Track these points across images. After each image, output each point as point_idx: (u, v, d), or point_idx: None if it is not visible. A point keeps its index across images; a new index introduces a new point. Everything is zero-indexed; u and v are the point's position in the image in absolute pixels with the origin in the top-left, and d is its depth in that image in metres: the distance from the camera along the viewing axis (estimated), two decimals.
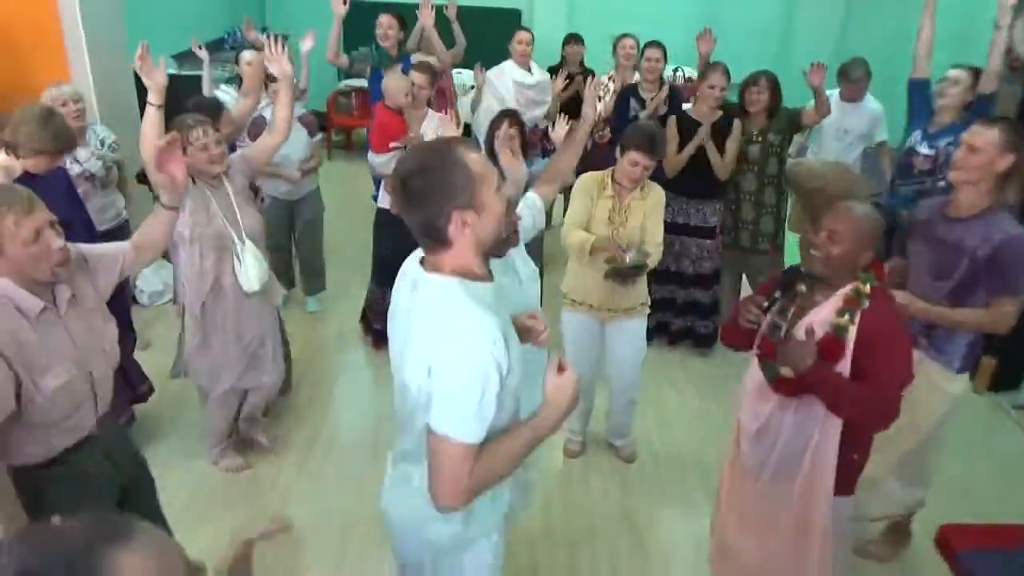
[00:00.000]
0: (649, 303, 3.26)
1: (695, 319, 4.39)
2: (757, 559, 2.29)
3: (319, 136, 4.51)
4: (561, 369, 1.52)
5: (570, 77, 5.13)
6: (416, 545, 1.72)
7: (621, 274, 2.99)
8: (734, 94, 4.13)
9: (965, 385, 2.67)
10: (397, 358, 1.59)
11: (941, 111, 3.62)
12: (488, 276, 1.53)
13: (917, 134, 3.67)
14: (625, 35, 4.90)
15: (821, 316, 2.02)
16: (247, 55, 4.09)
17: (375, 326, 4.21)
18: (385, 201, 4.00)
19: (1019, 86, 4.20)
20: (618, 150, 3.02)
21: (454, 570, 1.72)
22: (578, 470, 3.42)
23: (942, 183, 3.51)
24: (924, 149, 3.65)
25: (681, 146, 3.98)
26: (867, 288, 1.99)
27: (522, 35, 4.93)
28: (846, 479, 2.12)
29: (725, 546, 2.44)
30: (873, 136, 4.71)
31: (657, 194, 3.11)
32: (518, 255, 2.17)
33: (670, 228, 4.02)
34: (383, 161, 3.85)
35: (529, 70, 4.82)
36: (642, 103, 4.52)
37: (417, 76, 3.87)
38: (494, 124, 3.26)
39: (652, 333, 4.40)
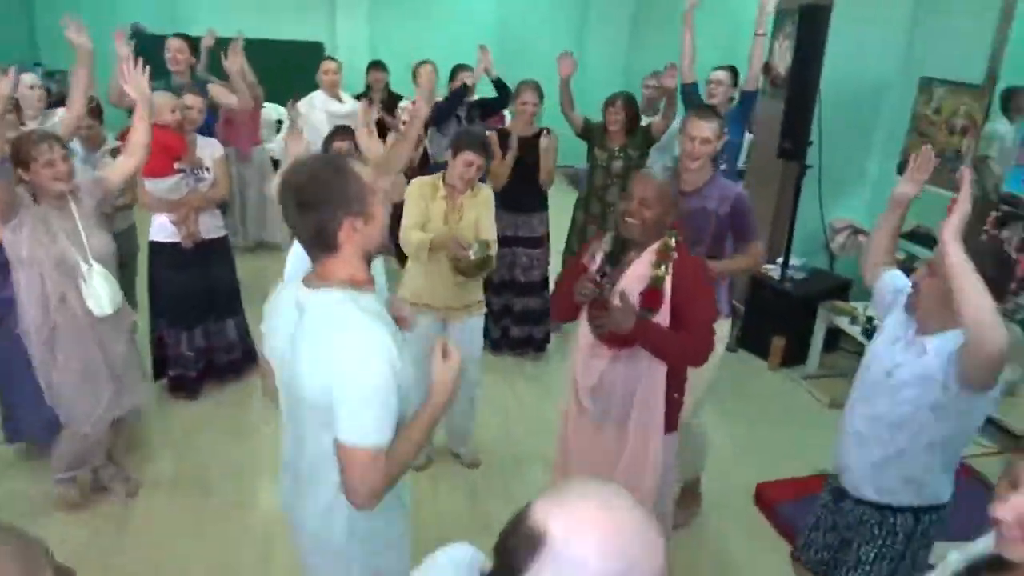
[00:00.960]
0: (484, 302, 3.36)
1: (531, 327, 4.56)
2: None
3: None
4: (446, 354, 1.64)
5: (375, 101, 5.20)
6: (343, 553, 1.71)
7: (469, 271, 3.09)
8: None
9: (728, 327, 3.11)
10: (287, 382, 1.61)
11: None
12: (371, 282, 1.60)
13: None
14: (424, 61, 5.05)
15: (637, 273, 2.24)
16: (27, 78, 3.77)
17: (171, 372, 3.92)
18: (162, 234, 3.71)
19: (780, 101, 4.80)
20: (450, 153, 3.13)
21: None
22: (426, 482, 3.40)
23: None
24: None
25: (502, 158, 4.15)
26: (673, 242, 2.24)
27: (329, 65, 4.92)
28: (669, 417, 2.37)
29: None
30: (674, 147, 5.19)
31: (486, 193, 3.25)
32: None
33: (501, 241, 4.18)
34: (169, 186, 3.60)
35: (339, 99, 4.83)
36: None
37: (191, 99, 3.76)
38: (327, 144, 3.26)
39: (497, 343, 4.54)
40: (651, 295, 2.21)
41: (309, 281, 1.57)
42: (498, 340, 4.54)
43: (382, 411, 1.47)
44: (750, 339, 4.88)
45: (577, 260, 2.46)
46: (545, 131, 4.19)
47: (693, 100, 4.13)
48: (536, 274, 4.44)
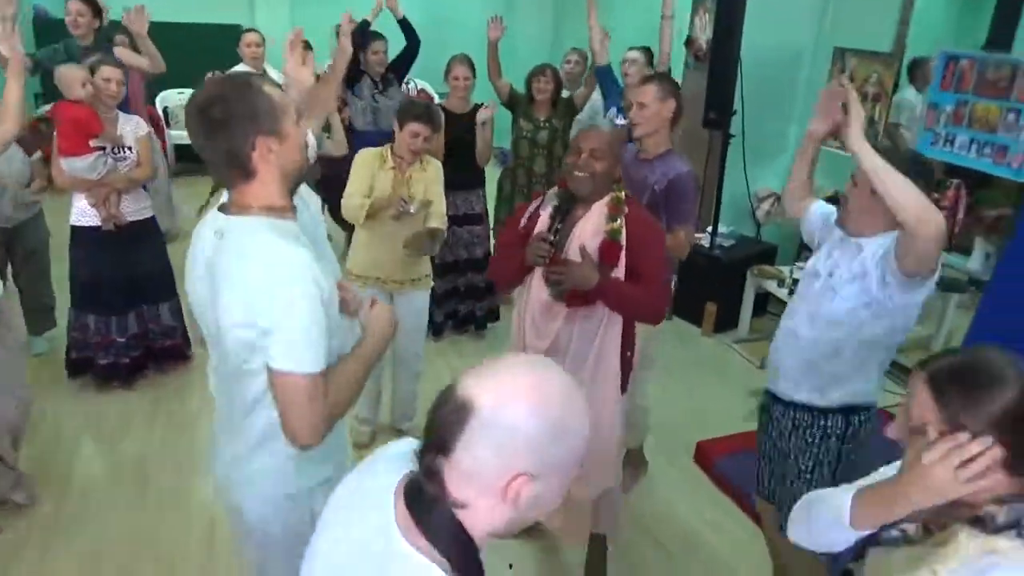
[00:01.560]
0: (431, 276, 3.36)
1: (474, 303, 4.57)
2: None
3: (37, 155, 4.00)
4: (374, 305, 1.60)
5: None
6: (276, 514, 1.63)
7: (418, 244, 3.07)
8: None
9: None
10: (209, 324, 1.52)
11: (629, 88, 4.16)
12: (292, 210, 1.53)
13: (613, 110, 4.20)
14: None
15: (589, 228, 2.23)
16: None
17: (72, 355, 3.78)
18: (83, 218, 3.55)
19: (703, 73, 4.91)
20: (396, 124, 3.11)
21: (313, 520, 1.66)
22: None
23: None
24: (621, 120, 4.19)
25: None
26: (623, 195, 2.25)
27: (250, 37, 4.77)
28: (623, 376, 2.37)
29: None
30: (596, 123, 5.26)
31: (435, 166, 3.23)
32: (303, 188, 2.16)
33: None
34: (87, 165, 3.41)
35: (265, 72, 4.70)
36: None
37: (109, 71, 3.47)
38: None
39: (440, 327, 4.53)
40: (609, 248, 2.20)
41: (226, 209, 1.50)
42: (440, 324, 4.53)
43: (314, 335, 1.40)
44: (684, 306, 5.00)
45: (513, 224, 2.43)
46: (483, 106, 4.16)
47: (606, 81, 4.19)
48: (479, 251, 4.45)
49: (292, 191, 1.55)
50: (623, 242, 2.21)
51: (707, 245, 4.91)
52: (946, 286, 4.54)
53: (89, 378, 3.84)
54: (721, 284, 4.84)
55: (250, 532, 1.68)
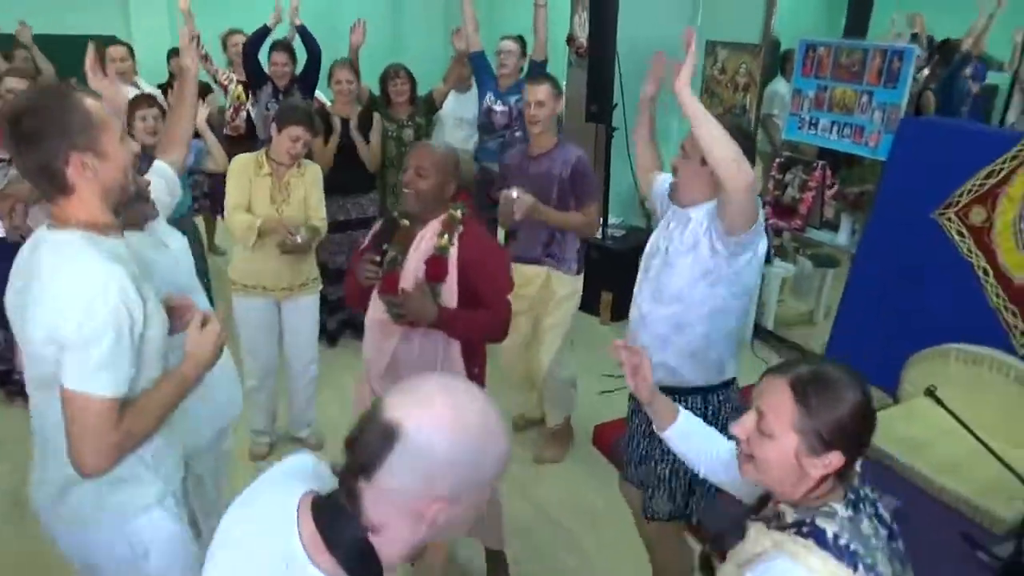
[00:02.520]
0: (319, 279, 3.33)
1: None
2: None
3: None
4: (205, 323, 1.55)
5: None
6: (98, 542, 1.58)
7: (297, 248, 3.04)
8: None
9: (581, 282, 3.37)
10: (23, 339, 1.46)
11: (503, 76, 4.33)
12: (117, 228, 1.49)
13: (490, 95, 4.29)
14: (233, 31, 4.88)
15: (424, 244, 2.21)
16: None
17: (16, 376, 3.60)
18: None
19: (584, 70, 5.04)
20: (274, 129, 3.07)
21: (138, 549, 1.60)
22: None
23: (519, 133, 4.16)
24: (499, 107, 4.29)
25: (325, 142, 4.06)
26: (459, 213, 2.22)
27: (113, 51, 4.57)
28: None
29: None
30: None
31: (314, 170, 3.18)
32: (162, 227, 2.10)
33: (336, 227, 4.14)
34: None
35: (137, 86, 4.55)
36: None
37: (14, 82, 3.44)
38: (130, 115, 3.21)
39: (336, 332, 4.49)
40: (435, 264, 2.18)
41: (50, 223, 1.45)
42: (335, 331, 4.49)
43: (114, 356, 1.34)
44: (582, 298, 5.11)
45: (363, 244, 2.43)
46: (369, 113, 4.17)
47: (480, 68, 4.29)
48: (356, 271, 4.42)
49: (117, 209, 1.51)
50: (451, 259, 2.18)
51: (599, 236, 5.04)
52: (821, 262, 4.83)
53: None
54: (615, 274, 4.96)
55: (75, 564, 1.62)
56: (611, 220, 5.09)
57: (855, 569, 1.16)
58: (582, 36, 5.31)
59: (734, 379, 2.27)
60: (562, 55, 5.44)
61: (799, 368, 1.26)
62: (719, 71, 5.04)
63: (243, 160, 3.10)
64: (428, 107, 4.50)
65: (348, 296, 2.50)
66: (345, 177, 4.12)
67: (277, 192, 3.07)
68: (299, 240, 3.00)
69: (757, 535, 1.27)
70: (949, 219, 3.52)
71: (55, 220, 1.43)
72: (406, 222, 2.29)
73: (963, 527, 2.61)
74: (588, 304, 5.11)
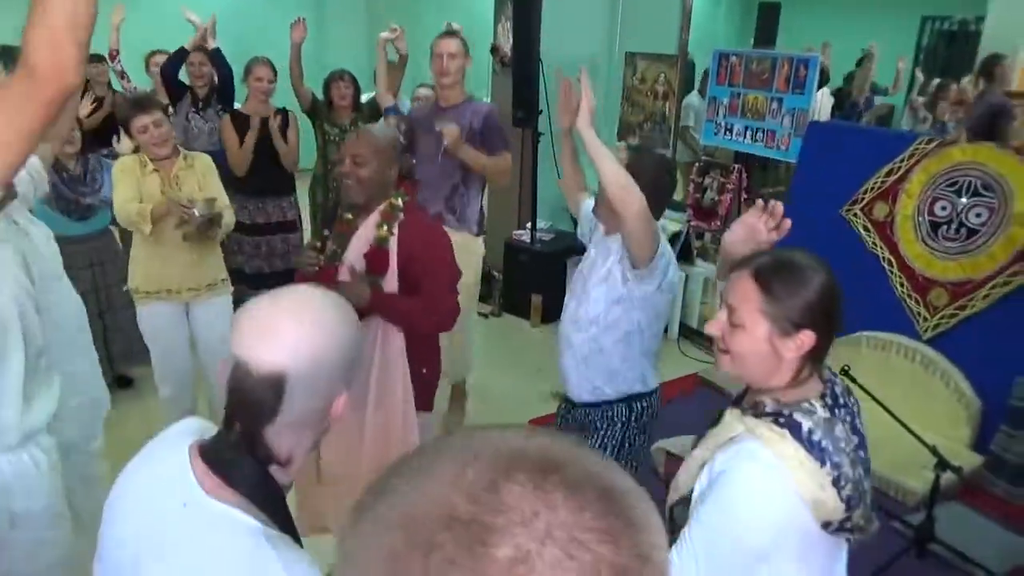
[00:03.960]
0: (229, 279, 3.20)
1: None
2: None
3: None
4: None
5: (98, 100, 4.80)
6: None
7: (196, 234, 2.88)
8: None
9: (482, 245, 3.47)
10: None
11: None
12: None
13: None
14: (157, 51, 4.82)
15: (363, 236, 2.17)
16: None
17: None
18: None
19: (508, 78, 5.14)
20: (123, 129, 3.05)
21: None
22: None
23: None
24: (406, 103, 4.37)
25: (241, 143, 3.98)
26: (399, 202, 2.17)
27: None
28: (422, 394, 2.27)
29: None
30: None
31: (204, 160, 3.06)
32: (24, 216, 2.05)
33: (253, 230, 4.04)
34: None
35: None
36: None
37: None
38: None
39: None
40: (375, 256, 2.14)
41: None
42: None
43: None
44: (512, 302, 5.19)
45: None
46: (283, 112, 4.11)
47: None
48: (294, 259, 4.37)
49: None
50: (391, 250, 2.14)
51: (528, 240, 5.12)
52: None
53: None
54: (544, 277, 5.06)
55: None
56: (539, 224, 5.18)
57: (822, 464, 1.21)
58: (506, 46, 5.41)
59: (656, 388, 2.37)
60: (486, 64, 5.53)
61: (760, 258, 1.32)
62: (639, 80, 5.22)
63: (125, 161, 2.95)
64: (372, 112, 4.45)
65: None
66: (264, 178, 4.05)
67: (168, 187, 2.92)
68: (196, 214, 2.80)
69: (731, 419, 1.32)
70: (855, 215, 3.75)
71: None
72: (349, 216, 2.24)
73: (878, 501, 2.78)
74: (518, 307, 5.20)
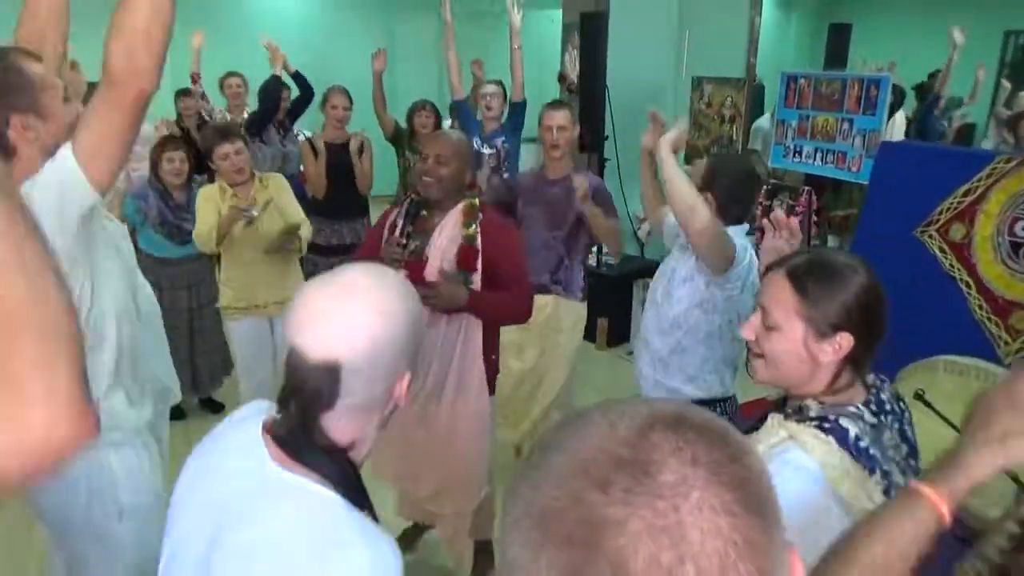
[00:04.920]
0: None
1: None
2: (432, 481, 2.46)
3: None
4: None
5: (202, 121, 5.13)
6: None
7: (277, 243, 3.12)
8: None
9: (585, 310, 3.42)
10: None
11: (488, 120, 4.37)
12: None
13: (476, 140, 4.36)
14: (231, 73, 5.16)
15: (445, 234, 2.29)
16: None
17: None
18: None
19: (576, 105, 5.23)
20: (208, 157, 3.20)
21: (106, 483, 1.70)
22: None
23: (507, 175, 4.26)
24: (486, 150, 4.37)
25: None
26: (476, 202, 2.30)
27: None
28: (490, 380, 2.40)
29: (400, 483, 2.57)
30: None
31: (276, 180, 3.28)
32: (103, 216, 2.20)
33: (328, 251, 4.23)
34: None
35: None
36: None
37: None
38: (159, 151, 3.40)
39: None
40: (466, 253, 2.25)
41: None
42: None
43: None
44: None
45: (373, 232, 2.49)
46: (358, 134, 4.28)
47: (464, 114, 4.42)
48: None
49: None
50: (479, 246, 2.26)
51: (594, 264, 5.16)
52: None
53: None
54: (610, 300, 5.09)
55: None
56: (605, 248, 5.22)
57: (871, 472, 1.15)
58: (573, 73, 5.51)
59: (733, 395, 2.38)
60: (554, 92, 5.64)
61: (795, 259, 1.28)
62: (706, 105, 5.24)
63: (208, 189, 3.21)
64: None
65: None
66: (339, 200, 4.23)
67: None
68: (253, 213, 3.05)
69: (773, 424, 1.25)
70: (931, 236, 3.66)
71: None
72: (424, 212, 2.35)
73: (955, 529, 2.69)
74: (586, 332, 5.22)
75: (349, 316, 0.97)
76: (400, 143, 4.59)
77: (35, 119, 1.41)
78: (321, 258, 4.29)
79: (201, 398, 4.02)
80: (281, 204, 3.22)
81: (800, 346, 1.23)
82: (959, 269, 3.55)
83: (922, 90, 5.80)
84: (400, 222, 2.35)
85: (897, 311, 4.27)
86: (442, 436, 2.35)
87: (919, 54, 5.98)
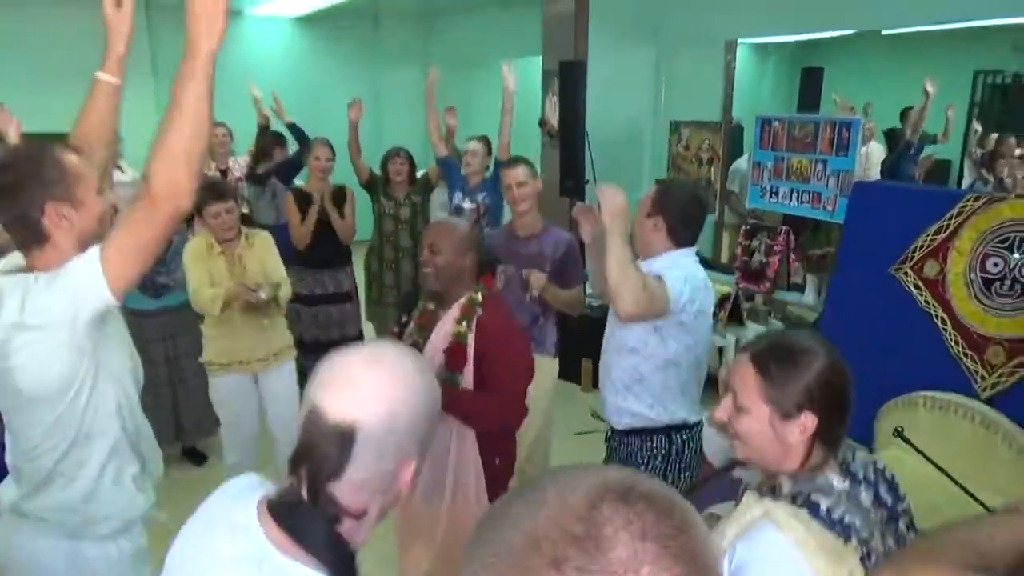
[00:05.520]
0: (293, 347, 3.38)
1: None
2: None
3: None
4: None
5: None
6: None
7: (263, 305, 3.10)
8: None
9: (557, 365, 3.47)
10: None
11: (471, 175, 4.42)
12: None
13: (458, 194, 4.44)
14: (216, 124, 5.13)
15: (445, 329, 2.20)
16: None
17: None
18: None
19: (556, 150, 5.32)
20: (196, 215, 3.18)
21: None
22: None
23: (487, 229, 4.28)
24: (467, 204, 4.42)
25: (302, 219, 4.19)
26: (479, 296, 2.19)
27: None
28: (495, 485, 2.26)
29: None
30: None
31: (261, 237, 3.26)
32: None
33: (309, 300, 4.22)
34: None
35: (120, 169, 4.74)
36: None
37: None
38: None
39: None
40: (453, 353, 2.14)
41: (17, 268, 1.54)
42: None
43: None
44: (563, 368, 5.21)
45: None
46: (341, 188, 4.34)
47: (448, 169, 4.49)
48: (351, 328, 4.52)
49: None
50: (469, 345, 2.14)
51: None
52: (791, 323, 5.00)
53: None
54: (594, 342, 5.05)
55: None
56: (588, 290, 5.25)
57: (847, 540, 1.18)
58: (553, 119, 5.61)
59: (699, 421, 2.38)
60: (535, 138, 5.74)
61: (760, 343, 1.33)
62: (684, 148, 5.34)
63: (195, 245, 3.16)
64: (424, 186, 4.71)
65: None
66: (321, 251, 4.26)
67: (233, 267, 3.14)
68: (263, 296, 3.04)
69: (749, 502, 1.29)
70: (906, 273, 3.72)
71: (27, 269, 1.51)
72: (431, 305, 2.29)
73: None
74: (569, 372, 5.23)
75: (372, 381, 0.99)
76: (375, 190, 4.64)
77: (69, 208, 1.47)
78: (304, 307, 4.31)
79: (184, 447, 3.97)
80: (266, 264, 3.21)
81: (767, 427, 1.28)
82: (934, 305, 3.60)
83: (893, 136, 5.94)
84: (404, 315, 2.34)
85: (875, 348, 4.32)
86: (445, 537, 2.25)
87: (890, 95, 6.13)
